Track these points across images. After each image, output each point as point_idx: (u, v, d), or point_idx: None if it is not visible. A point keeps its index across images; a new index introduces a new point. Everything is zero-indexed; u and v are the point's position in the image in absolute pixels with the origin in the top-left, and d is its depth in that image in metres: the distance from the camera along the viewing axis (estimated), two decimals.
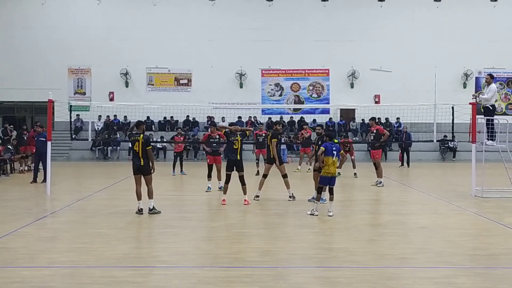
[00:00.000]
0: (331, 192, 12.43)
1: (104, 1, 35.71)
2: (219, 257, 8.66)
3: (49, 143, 16.00)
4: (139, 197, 12.40)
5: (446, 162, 32.10)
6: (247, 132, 14.61)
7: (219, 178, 16.58)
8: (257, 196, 14.68)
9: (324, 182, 12.47)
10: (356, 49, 35.31)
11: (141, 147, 12.31)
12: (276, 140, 14.70)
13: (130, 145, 12.48)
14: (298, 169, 23.31)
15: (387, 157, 31.98)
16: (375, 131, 19.14)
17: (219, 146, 17.23)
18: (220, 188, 16.10)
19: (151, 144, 12.88)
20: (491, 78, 15.94)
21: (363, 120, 34.54)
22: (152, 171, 12.51)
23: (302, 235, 10.40)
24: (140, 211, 12.32)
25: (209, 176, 16.70)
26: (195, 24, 35.44)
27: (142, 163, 12.34)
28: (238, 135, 13.87)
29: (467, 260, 8.60)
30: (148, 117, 34.46)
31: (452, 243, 9.62)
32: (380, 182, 18.34)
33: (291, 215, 12.72)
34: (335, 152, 12.34)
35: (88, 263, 8.16)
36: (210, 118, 34.29)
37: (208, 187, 16.54)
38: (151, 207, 12.41)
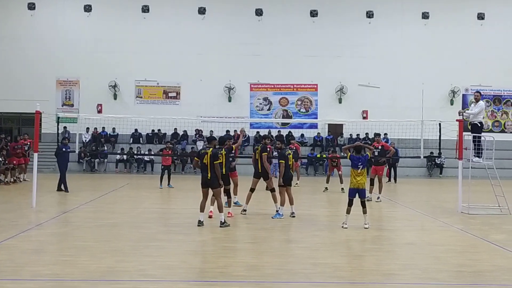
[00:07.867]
0: (363, 205, 12.65)
1: (94, 13, 35.73)
2: (205, 271, 8.62)
3: (35, 154, 15.92)
4: (201, 209, 12.60)
5: (433, 178, 32.24)
6: (234, 146, 14.67)
7: (235, 193, 16.12)
8: (244, 210, 14.66)
9: (351, 194, 12.68)
10: (345, 65, 35.50)
11: (209, 160, 12.43)
12: (266, 154, 14.67)
13: (199, 159, 12.60)
14: None
15: None
16: (380, 147, 19.09)
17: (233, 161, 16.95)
18: (235, 203, 15.75)
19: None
20: (479, 95, 16.25)
21: (351, 135, 34.69)
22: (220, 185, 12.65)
23: (288, 250, 10.40)
24: (200, 223, 12.49)
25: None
26: (184, 37, 35.51)
27: (209, 176, 12.45)
28: (223, 149, 13.82)
29: (453, 277, 8.62)
30: (136, 130, 34.42)
31: (438, 260, 9.64)
32: (378, 198, 18.57)
33: (278, 229, 12.69)
34: (360, 166, 12.50)
35: (73, 276, 8.08)
36: (198, 132, 34.32)
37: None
38: (222, 221, 12.51)
